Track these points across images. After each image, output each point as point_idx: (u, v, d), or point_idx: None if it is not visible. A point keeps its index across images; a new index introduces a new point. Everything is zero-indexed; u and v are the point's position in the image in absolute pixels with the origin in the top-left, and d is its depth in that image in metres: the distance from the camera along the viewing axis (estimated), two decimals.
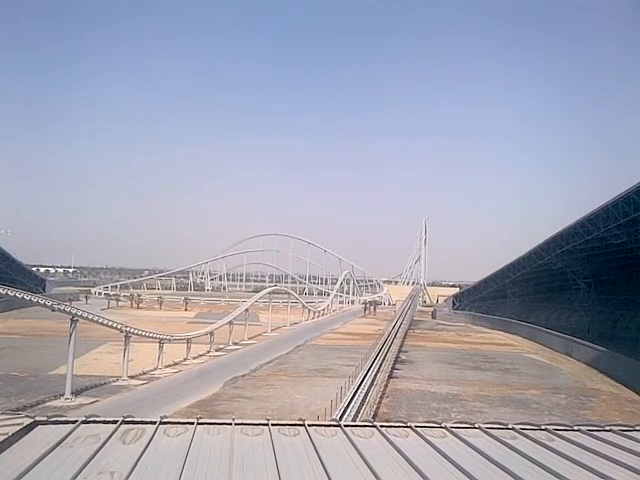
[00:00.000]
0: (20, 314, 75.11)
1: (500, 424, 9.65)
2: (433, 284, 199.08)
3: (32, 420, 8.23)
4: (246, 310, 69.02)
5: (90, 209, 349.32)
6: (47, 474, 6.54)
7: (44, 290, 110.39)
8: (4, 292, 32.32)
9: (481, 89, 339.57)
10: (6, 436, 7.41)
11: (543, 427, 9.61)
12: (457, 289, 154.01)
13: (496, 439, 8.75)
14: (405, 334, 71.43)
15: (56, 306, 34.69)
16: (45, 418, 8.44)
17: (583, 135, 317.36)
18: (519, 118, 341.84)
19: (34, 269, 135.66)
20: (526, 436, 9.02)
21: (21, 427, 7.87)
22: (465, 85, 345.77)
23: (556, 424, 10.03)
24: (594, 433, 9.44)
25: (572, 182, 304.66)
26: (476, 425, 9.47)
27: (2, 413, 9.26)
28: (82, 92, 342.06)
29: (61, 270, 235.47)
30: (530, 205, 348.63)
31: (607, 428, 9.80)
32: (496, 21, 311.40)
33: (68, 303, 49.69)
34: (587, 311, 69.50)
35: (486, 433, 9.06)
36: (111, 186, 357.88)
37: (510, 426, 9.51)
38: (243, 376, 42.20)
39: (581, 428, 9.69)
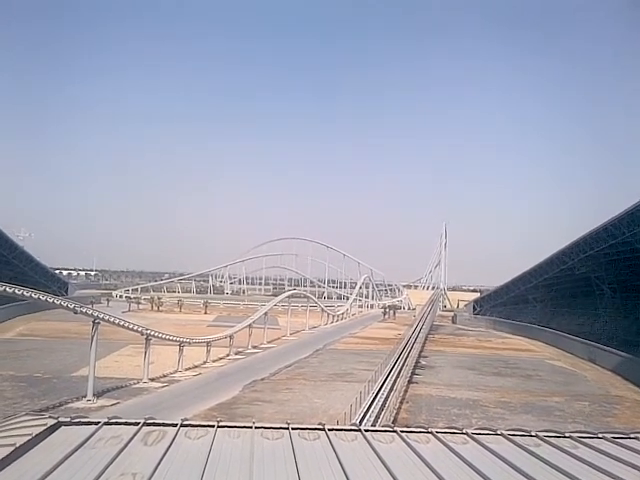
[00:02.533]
0: (43, 316, 76.26)
1: (523, 431, 9.52)
2: (453, 289, 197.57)
3: (56, 421, 8.35)
4: (265, 314, 69.19)
5: (112, 213, 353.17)
6: (70, 474, 6.62)
7: (67, 293, 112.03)
8: (28, 294, 32.88)
9: (504, 92, 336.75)
10: (30, 437, 7.52)
11: (567, 434, 9.46)
12: (478, 294, 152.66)
13: (519, 446, 8.63)
14: (425, 339, 70.96)
15: (78, 309, 35.10)
16: (68, 419, 8.54)
17: (608, 138, 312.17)
18: (541, 121, 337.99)
19: (57, 272, 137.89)
20: (549, 443, 8.88)
21: (45, 428, 7.98)
22: (487, 87, 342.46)
23: (580, 431, 9.87)
24: (619, 440, 9.26)
25: (598, 185, 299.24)
26: (498, 432, 9.35)
27: (26, 414, 9.41)
28: (94, 95, 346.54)
29: (83, 273, 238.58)
30: (553, 209, 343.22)
31: (632, 435, 9.61)
32: (502, 22, 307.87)
33: (90, 306, 50.48)
34: (611, 317, 68.41)
35: (508, 440, 8.95)
36: (133, 190, 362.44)
37: (533, 433, 9.37)
38: (262, 380, 42.27)
39: (605, 435, 9.51)
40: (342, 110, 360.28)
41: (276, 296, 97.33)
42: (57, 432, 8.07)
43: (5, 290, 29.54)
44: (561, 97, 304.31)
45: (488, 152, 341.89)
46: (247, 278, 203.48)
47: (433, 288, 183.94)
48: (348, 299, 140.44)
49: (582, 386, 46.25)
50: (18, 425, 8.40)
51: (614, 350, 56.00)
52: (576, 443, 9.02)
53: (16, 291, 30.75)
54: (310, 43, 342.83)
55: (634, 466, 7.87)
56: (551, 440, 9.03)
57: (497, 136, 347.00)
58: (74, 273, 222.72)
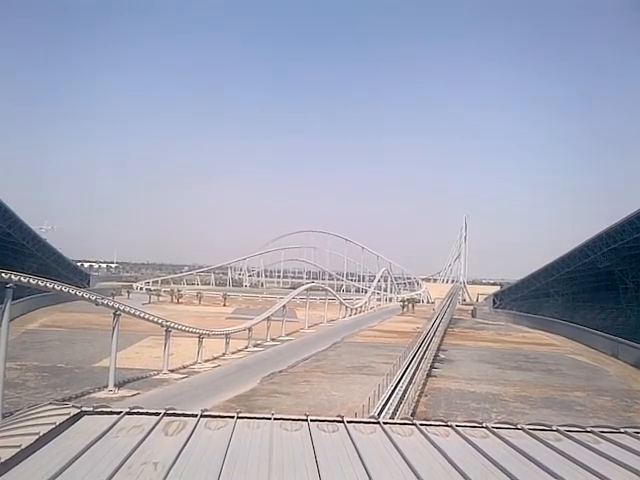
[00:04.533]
0: (66, 307, 77.51)
1: (543, 425, 9.41)
2: (473, 282, 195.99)
3: (79, 410, 8.47)
4: (283, 306, 69.45)
5: (132, 207, 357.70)
6: (93, 463, 6.73)
7: (88, 285, 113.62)
8: (51, 286, 33.34)
9: (523, 87, 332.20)
10: (54, 425, 7.65)
11: (588, 429, 9.33)
12: (498, 287, 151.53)
13: (539, 440, 8.54)
14: (444, 332, 70.62)
15: (100, 300, 35.55)
16: (91, 409, 8.67)
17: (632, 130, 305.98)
18: (561, 114, 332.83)
19: (79, 264, 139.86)
20: (570, 438, 8.77)
21: (68, 417, 8.10)
22: (511, 84, 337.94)
23: (602, 426, 9.74)
24: None
25: (620, 178, 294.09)
26: (519, 426, 9.26)
27: (49, 403, 9.56)
28: (112, 86, 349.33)
29: (104, 265, 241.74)
30: (575, 202, 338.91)
31: None
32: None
33: (111, 298, 51.03)
34: (635, 311, 67.34)
35: (529, 434, 8.85)
36: (153, 184, 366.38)
37: (554, 427, 9.26)
38: (280, 372, 42.46)
39: (627, 430, 9.37)
40: (357, 105, 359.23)
41: (294, 289, 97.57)
42: (80, 421, 8.19)
43: (29, 282, 29.99)
44: (583, 93, 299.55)
45: (509, 145, 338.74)
46: (265, 271, 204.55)
47: (452, 281, 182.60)
48: (366, 292, 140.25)
49: (604, 381, 45.67)
50: (42, 414, 8.54)
51: (638, 345, 55.16)
52: (598, 438, 8.89)
53: (39, 283, 31.19)
54: (324, 39, 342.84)
55: None
56: (572, 434, 8.91)
57: (516, 129, 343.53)
58: (95, 265, 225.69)
